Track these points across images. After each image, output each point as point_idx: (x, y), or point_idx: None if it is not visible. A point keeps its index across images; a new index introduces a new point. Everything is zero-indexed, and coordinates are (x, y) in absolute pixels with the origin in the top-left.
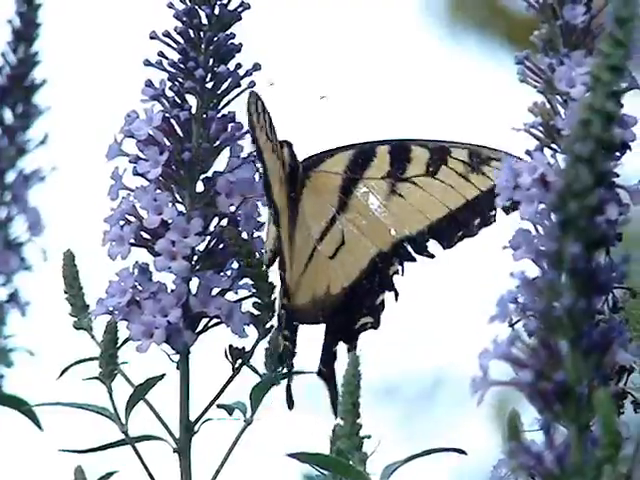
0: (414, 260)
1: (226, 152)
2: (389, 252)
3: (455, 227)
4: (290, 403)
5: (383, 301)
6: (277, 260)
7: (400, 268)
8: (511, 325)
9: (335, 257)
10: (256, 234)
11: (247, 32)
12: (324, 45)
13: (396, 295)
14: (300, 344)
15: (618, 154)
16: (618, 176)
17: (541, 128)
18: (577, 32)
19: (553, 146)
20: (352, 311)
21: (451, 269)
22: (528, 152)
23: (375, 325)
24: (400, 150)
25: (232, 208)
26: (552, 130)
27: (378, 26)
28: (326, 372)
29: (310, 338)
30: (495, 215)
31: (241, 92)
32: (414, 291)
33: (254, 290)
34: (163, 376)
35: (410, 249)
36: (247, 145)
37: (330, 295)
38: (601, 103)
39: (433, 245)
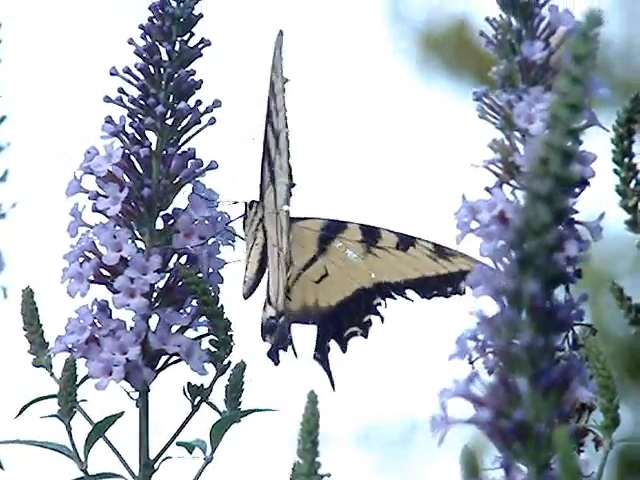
0: (395, 298)
1: (185, 189)
2: (371, 288)
3: (429, 288)
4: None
5: (370, 319)
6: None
7: (382, 302)
8: (471, 363)
9: (320, 283)
10: (213, 270)
11: (207, 68)
12: (292, 83)
13: (381, 319)
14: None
15: (577, 190)
16: (577, 212)
17: (500, 165)
18: (536, 68)
19: (512, 183)
20: (340, 322)
21: (427, 311)
22: (487, 189)
23: (364, 335)
24: (370, 230)
25: (189, 246)
26: (511, 167)
27: (349, 65)
28: (320, 357)
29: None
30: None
31: (201, 129)
32: (390, 336)
33: (211, 328)
34: (122, 414)
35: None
36: (208, 183)
37: (319, 307)
38: (559, 141)
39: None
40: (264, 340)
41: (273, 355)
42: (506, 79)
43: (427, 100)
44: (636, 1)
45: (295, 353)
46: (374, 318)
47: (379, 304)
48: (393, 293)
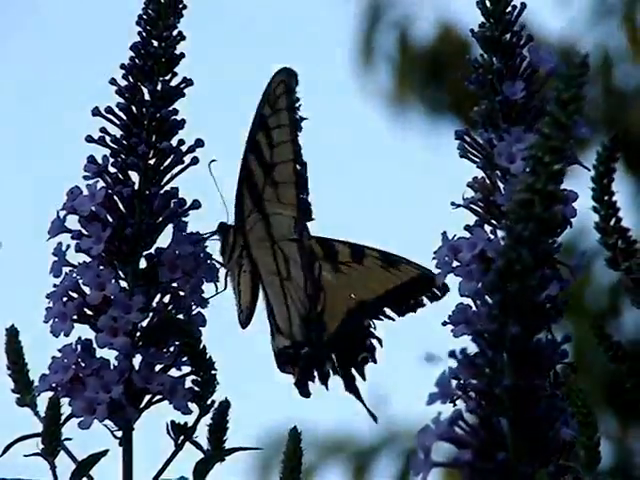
0: (380, 319)
1: (168, 229)
2: (357, 309)
3: (395, 302)
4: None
5: (372, 343)
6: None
7: (371, 322)
8: (453, 402)
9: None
10: (196, 310)
11: (190, 108)
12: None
13: (379, 342)
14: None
15: (558, 230)
16: (559, 251)
17: (481, 204)
18: (517, 108)
19: (493, 222)
20: (348, 347)
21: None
22: (468, 227)
23: (372, 359)
24: (327, 243)
25: (174, 280)
26: (492, 206)
27: (323, 104)
28: (350, 389)
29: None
30: (435, 295)
31: (184, 168)
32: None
33: (193, 368)
34: (106, 452)
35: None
36: (191, 222)
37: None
38: (542, 184)
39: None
40: (282, 371)
41: (302, 388)
42: (487, 118)
43: (402, 138)
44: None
45: (327, 386)
46: (374, 341)
47: (369, 325)
48: (373, 312)
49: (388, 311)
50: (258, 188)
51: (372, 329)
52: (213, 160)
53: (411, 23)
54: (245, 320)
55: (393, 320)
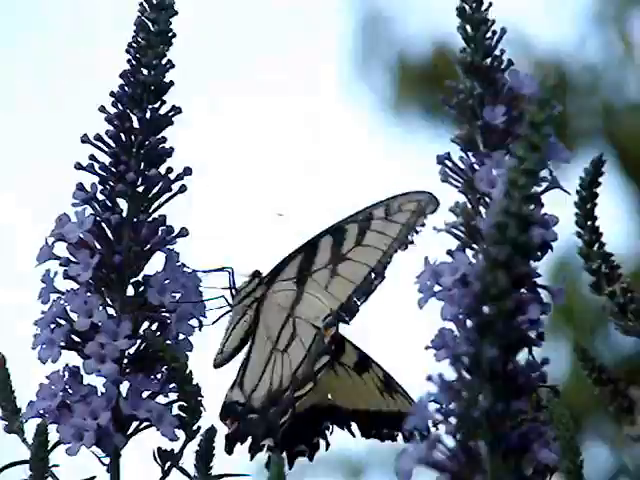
0: (340, 427)
1: (156, 256)
2: (326, 410)
3: (369, 426)
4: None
5: (318, 442)
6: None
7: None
8: (434, 426)
9: None
10: (183, 336)
11: (179, 136)
12: (264, 135)
13: (327, 445)
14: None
15: (539, 254)
16: (540, 276)
17: (462, 228)
18: (498, 132)
19: (475, 246)
20: (294, 435)
21: None
22: (450, 252)
23: (310, 458)
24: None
25: (163, 305)
26: (473, 230)
27: (323, 110)
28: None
29: None
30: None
31: (172, 196)
32: None
33: (180, 394)
34: (94, 478)
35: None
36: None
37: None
38: (517, 207)
39: None
40: (221, 420)
41: (230, 443)
42: (468, 143)
43: (402, 146)
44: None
45: (252, 457)
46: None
47: (327, 427)
48: (340, 421)
49: (354, 427)
50: (312, 266)
51: (327, 432)
52: (280, 214)
53: (408, 38)
54: (220, 362)
55: (353, 436)
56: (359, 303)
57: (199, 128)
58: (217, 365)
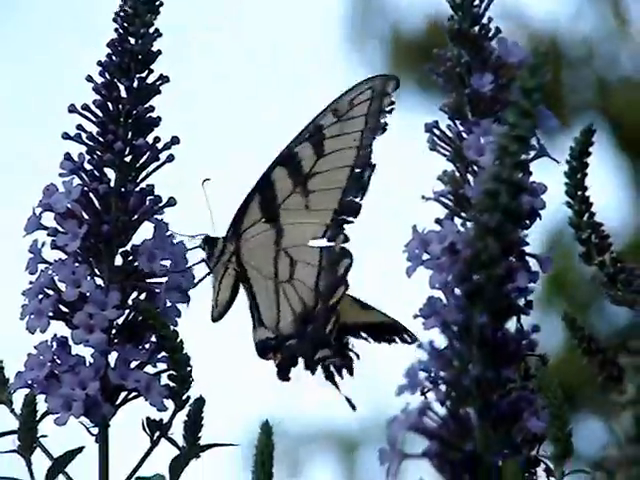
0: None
1: (144, 228)
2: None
3: (370, 332)
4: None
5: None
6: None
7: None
8: (423, 394)
9: None
10: (172, 305)
11: (166, 105)
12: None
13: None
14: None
15: (528, 222)
16: (528, 244)
17: (451, 197)
18: (485, 100)
19: (463, 215)
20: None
21: None
22: (438, 221)
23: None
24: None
25: (155, 269)
26: (462, 199)
27: (317, 82)
28: (331, 379)
29: None
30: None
31: (159, 166)
32: None
33: (170, 363)
34: (82, 449)
35: None
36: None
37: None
38: (508, 174)
39: None
40: (262, 357)
41: (283, 372)
42: (455, 111)
43: (396, 119)
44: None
45: (313, 370)
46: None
47: (348, 341)
48: (353, 334)
49: (365, 335)
50: (276, 200)
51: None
52: (207, 179)
53: (402, 10)
54: (217, 316)
55: (370, 342)
56: (357, 200)
57: (187, 100)
58: (215, 319)
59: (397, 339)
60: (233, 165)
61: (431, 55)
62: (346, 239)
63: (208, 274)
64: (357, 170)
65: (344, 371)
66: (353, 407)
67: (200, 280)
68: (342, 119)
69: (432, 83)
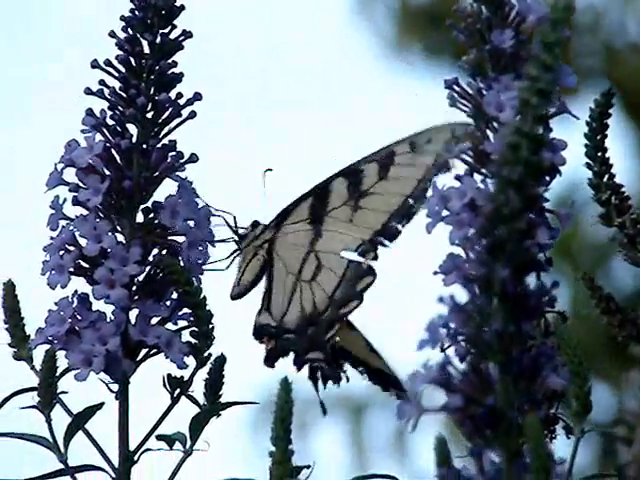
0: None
1: (165, 184)
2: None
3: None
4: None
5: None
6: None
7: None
8: (442, 350)
9: None
10: (194, 262)
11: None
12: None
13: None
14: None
15: (548, 179)
16: (548, 201)
17: (470, 153)
18: (506, 57)
19: (483, 171)
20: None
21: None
22: (458, 177)
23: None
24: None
25: (176, 224)
26: (482, 155)
27: (324, 50)
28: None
29: None
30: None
31: (182, 122)
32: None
33: (192, 318)
34: (102, 405)
35: None
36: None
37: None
38: (529, 127)
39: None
40: (256, 339)
41: (271, 359)
42: (476, 68)
43: (403, 85)
44: None
45: (299, 367)
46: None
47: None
48: (352, 363)
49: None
50: (327, 206)
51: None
52: (269, 169)
53: None
54: (237, 295)
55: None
56: (399, 227)
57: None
58: (234, 297)
59: (389, 389)
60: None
61: (438, 23)
62: (375, 257)
63: (238, 253)
64: (411, 200)
65: (330, 381)
66: (324, 411)
67: (229, 256)
68: (416, 151)
69: (440, 50)
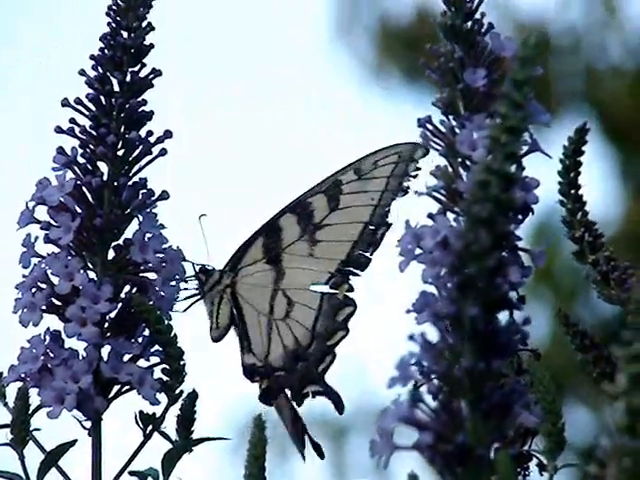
0: None
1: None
2: None
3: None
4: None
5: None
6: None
7: None
8: (416, 387)
9: None
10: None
11: (159, 99)
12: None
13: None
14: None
15: (520, 217)
16: (520, 239)
17: (443, 191)
18: (478, 95)
19: (456, 209)
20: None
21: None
22: (430, 215)
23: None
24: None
25: (148, 258)
26: (454, 193)
27: (303, 71)
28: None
29: None
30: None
31: (152, 159)
32: None
33: (164, 356)
34: (75, 442)
35: None
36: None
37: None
38: (499, 165)
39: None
40: (249, 380)
41: (268, 398)
42: (449, 106)
43: (381, 106)
44: None
45: (299, 402)
46: None
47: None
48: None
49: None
50: (281, 244)
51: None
52: (203, 214)
53: (390, 1)
54: (217, 337)
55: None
56: (367, 255)
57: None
58: (216, 339)
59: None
60: (225, 156)
61: (418, 47)
62: (350, 289)
63: (200, 297)
64: (371, 227)
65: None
66: (304, 458)
67: (190, 297)
68: (363, 178)
69: (419, 74)
